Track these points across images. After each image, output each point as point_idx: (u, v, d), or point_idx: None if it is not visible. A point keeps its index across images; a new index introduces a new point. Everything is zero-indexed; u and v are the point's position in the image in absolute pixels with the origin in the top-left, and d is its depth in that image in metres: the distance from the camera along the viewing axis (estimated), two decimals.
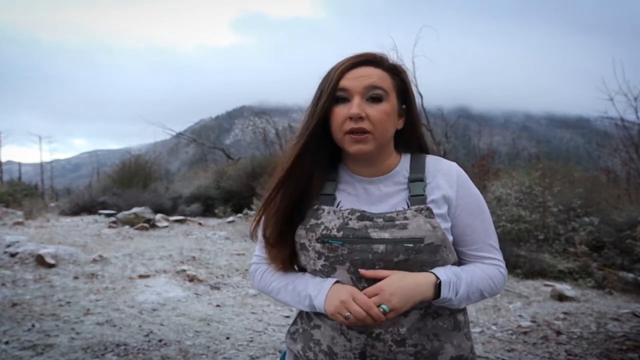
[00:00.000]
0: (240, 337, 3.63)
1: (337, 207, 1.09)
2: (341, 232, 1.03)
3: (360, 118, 1.02)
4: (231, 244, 7.88)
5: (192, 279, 5.36)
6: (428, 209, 1.04)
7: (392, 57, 1.12)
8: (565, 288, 5.16)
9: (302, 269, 1.14)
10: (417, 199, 1.06)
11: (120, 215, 9.75)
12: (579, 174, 8.89)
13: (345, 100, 1.05)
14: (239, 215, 11.06)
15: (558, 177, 7.75)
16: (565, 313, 4.33)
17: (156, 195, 12.81)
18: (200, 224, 10.21)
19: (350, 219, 1.04)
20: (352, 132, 1.03)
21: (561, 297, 4.92)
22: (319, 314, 1.08)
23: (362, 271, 1.01)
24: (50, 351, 3.16)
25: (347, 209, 1.06)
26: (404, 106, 1.12)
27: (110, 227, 9.09)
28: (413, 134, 1.15)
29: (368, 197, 1.09)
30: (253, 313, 4.28)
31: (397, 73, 1.10)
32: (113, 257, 6.24)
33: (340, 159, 1.15)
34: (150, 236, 8.39)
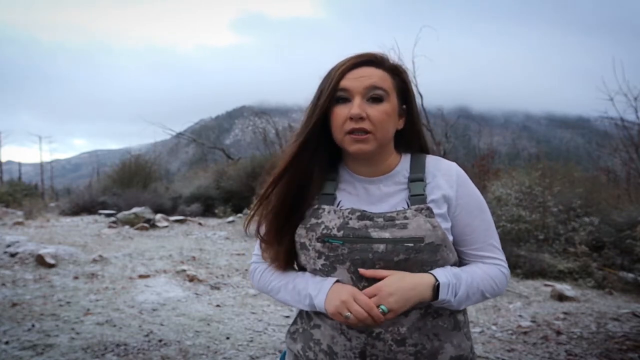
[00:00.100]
0: (240, 337, 3.63)
1: (337, 206, 1.09)
2: (341, 232, 1.03)
3: (361, 118, 1.02)
4: (231, 244, 7.88)
5: (192, 279, 5.36)
6: (428, 208, 1.05)
7: (393, 57, 1.12)
8: (565, 288, 5.16)
9: (302, 269, 1.14)
10: (417, 198, 1.07)
11: (120, 215, 9.75)
12: (579, 174, 8.89)
13: (346, 100, 1.05)
14: (239, 215, 11.06)
15: (558, 177, 7.75)
16: (565, 313, 4.33)
17: (156, 195, 12.81)
18: (200, 224, 10.21)
19: (351, 219, 1.04)
20: (352, 132, 1.03)
21: (561, 297, 4.92)
22: (319, 314, 1.09)
23: (362, 270, 1.01)
24: (50, 351, 3.16)
25: (348, 209, 1.06)
26: (404, 106, 1.12)
27: (110, 227, 9.09)
28: (413, 134, 1.15)
29: (368, 197, 1.10)
30: (253, 313, 4.28)
31: (397, 73, 1.10)
32: (113, 257, 6.24)
33: (341, 158, 1.15)
34: (150, 236, 8.40)
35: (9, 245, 6.32)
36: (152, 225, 9.32)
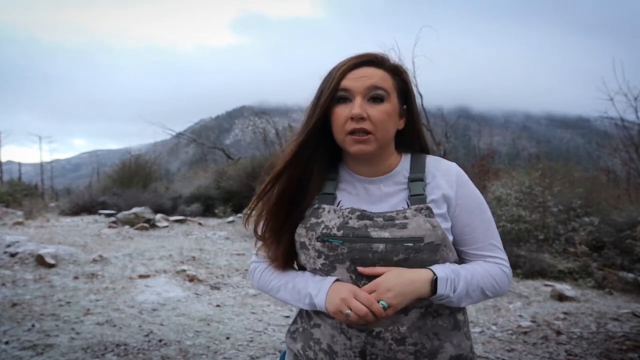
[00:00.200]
0: (240, 337, 3.63)
1: (337, 206, 1.09)
2: (341, 231, 1.04)
3: (361, 118, 1.02)
4: (231, 244, 7.88)
5: (192, 279, 5.36)
6: (428, 208, 1.05)
7: (393, 58, 1.12)
8: (565, 288, 5.16)
9: (302, 268, 1.14)
10: (417, 198, 1.07)
11: (120, 215, 9.75)
12: (579, 174, 8.89)
13: (347, 100, 1.05)
14: (239, 215, 11.06)
15: (558, 177, 7.75)
16: (565, 313, 4.33)
17: (156, 195, 12.81)
18: (200, 224, 10.21)
19: (351, 218, 1.05)
20: (353, 132, 1.03)
21: (561, 297, 4.92)
22: (319, 313, 1.09)
23: (360, 268, 1.01)
24: (50, 351, 3.16)
25: (347, 208, 1.07)
26: (404, 106, 1.12)
27: (110, 227, 9.09)
28: (414, 134, 1.16)
29: (368, 197, 1.10)
30: (253, 313, 4.28)
31: (398, 73, 1.10)
32: (113, 257, 6.24)
33: (341, 158, 1.15)
34: (150, 236, 8.40)
35: (9, 245, 6.32)
36: (152, 225, 9.32)
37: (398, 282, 0.98)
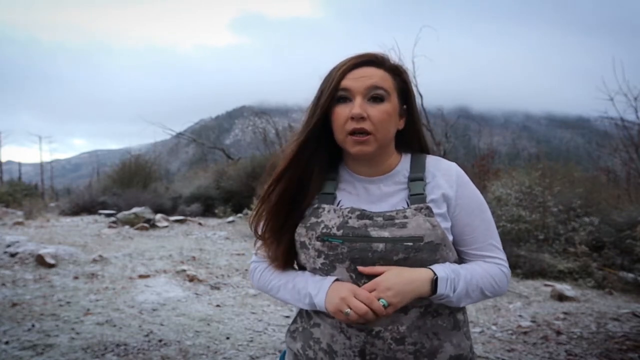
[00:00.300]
0: (240, 337, 3.63)
1: (337, 206, 1.09)
2: (341, 231, 1.04)
3: (362, 118, 1.02)
4: (231, 244, 7.88)
5: (192, 279, 5.36)
6: (428, 207, 1.05)
7: (393, 58, 1.12)
8: (565, 288, 5.16)
9: (302, 268, 1.14)
10: (417, 198, 1.07)
11: (120, 215, 9.75)
12: (579, 174, 8.89)
13: (347, 100, 1.05)
14: (239, 215, 11.06)
15: (558, 177, 7.75)
16: (565, 313, 4.34)
17: (156, 195, 12.82)
18: (200, 224, 10.21)
19: (350, 218, 1.05)
20: (354, 132, 1.03)
21: (561, 297, 4.92)
22: (318, 313, 1.09)
23: (360, 268, 1.02)
24: (50, 351, 3.16)
25: (347, 208, 1.07)
26: (405, 106, 1.12)
27: (110, 227, 9.09)
28: (414, 134, 1.16)
29: (368, 197, 1.10)
30: (253, 313, 4.28)
31: (398, 73, 1.10)
32: (113, 257, 6.24)
33: (341, 158, 1.15)
34: (150, 236, 8.40)
35: (9, 245, 6.32)
36: (152, 225, 9.32)
37: (398, 281, 0.98)
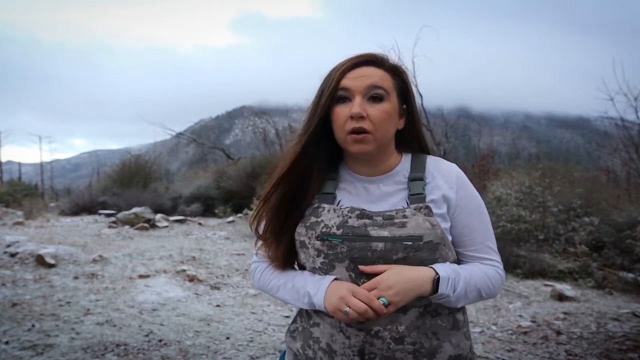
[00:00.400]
0: (240, 337, 3.63)
1: (337, 205, 1.09)
2: (341, 230, 1.04)
3: (361, 117, 1.03)
4: (231, 244, 7.88)
5: (192, 279, 5.36)
6: (427, 207, 1.05)
7: (393, 58, 1.13)
8: (565, 288, 5.16)
9: (302, 267, 1.14)
10: (417, 197, 1.07)
11: (120, 215, 9.75)
12: (579, 174, 8.89)
13: (347, 100, 1.06)
14: (239, 215, 11.06)
15: (558, 177, 7.75)
16: (565, 313, 4.34)
17: (156, 195, 12.82)
18: (200, 224, 10.22)
19: (350, 217, 1.05)
20: (353, 131, 1.04)
21: (561, 297, 4.92)
22: (318, 312, 1.09)
23: (362, 267, 1.01)
24: (50, 351, 3.16)
25: (347, 207, 1.07)
26: (404, 106, 1.13)
27: (110, 227, 9.09)
28: (414, 134, 1.16)
29: (368, 196, 1.10)
30: (253, 313, 4.28)
31: (397, 73, 1.11)
32: (113, 257, 6.24)
33: (341, 158, 1.15)
34: (150, 236, 8.40)
35: (9, 245, 6.32)
36: (152, 225, 9.32)
37: (399, 279, 0.98)
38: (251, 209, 9.94)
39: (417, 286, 0.99)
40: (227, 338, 3.59)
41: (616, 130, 10.12)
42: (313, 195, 1.11)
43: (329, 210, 1.08)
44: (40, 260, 5.71)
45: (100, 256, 6.20)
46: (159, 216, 9.91)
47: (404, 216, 1.03)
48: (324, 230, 1.05)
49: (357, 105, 1.03)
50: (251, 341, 3.54)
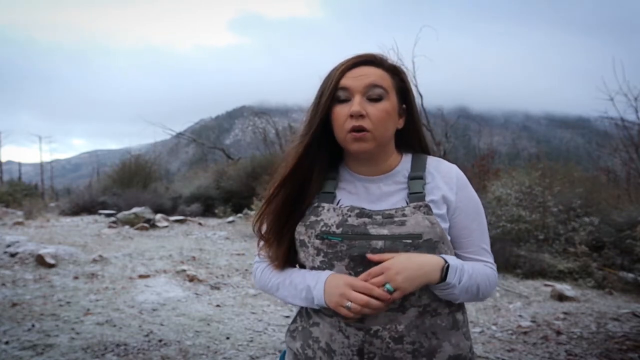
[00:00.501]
0: (240, 337, 3.63)
1: (336, 204, 1.10)
2: (340, 229, 1.04)
3: (361, 116, 1.03)
4: (231, 244, 7.88)
5: (192, 279, 5.36)
6: (427, 205, 1.06)
7: (392, 58, 1.13)
8: (565, 288, 5.16)
9: (303, 267, 1.14)
10: (416, 196, 1.08)
11: (120, 215, 9.75)
12: (579, 174, 8.89)
13: (346, 100, 1.06)
14: (239, 215, 11.06)
15: (558, 177, 7.75)
16: (565, 313, 4.34)
17: (156, 195, 12.82)
18: (200, 224, 10.22)
19: (350, 216, 1.05)
20: (353, 130, 1.04)
21: (561, 297, 4.92)
22: (318, 312, 1.09)
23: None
24: (50, 351, 3.16)
25: (347, 206, 1.08)
26: (404, 106, 1.13)
27: (110, 227, 9.09)
28: (414, 133, 1.17)
29: (368, 196, 1.10)
30: (253, 313, 4.28)
31: (396, 73, 1.11)
32: (113, 257, 6.25)
33: (341, 158, 1.16)
34: (150, 236, 8.40)
35: (9, 245, 6.32)
36: (152, 225, 9.32)
37: (408, 265, 0.98)
38: (251, 209, 9.94)
39: (426, 273, 0.99)
40: (227, 338, 3.59)
41: (616, 130, 10.12)
42: (313, 195, 1.11)
43: (328, 210, 1.08)
44: (40, 260, 5.71)
45: (100, 256, 6.20)
46: (159, 216, 9.91)
47: (404, 214, 1.04)
48: (324, 229, 1.05)
49: (356, 104, 1.04)
50: (251, 341, 3.54)
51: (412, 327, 1.03)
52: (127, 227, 9.03)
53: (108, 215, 10.67)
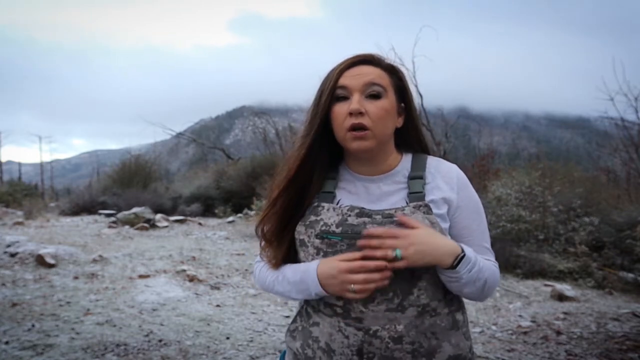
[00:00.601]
0: (240, 337, 3.63)
1: (336, 204, 1.10)
2: (340, 228, 1.05)
3: (360, 113, 1.04)
4: (231, 244, 7.88)
5: (192, 279, 5.36)
6: (426, 205, 1.06)
7: (391, 58, 1.14)
8: (565, 288, 5.16)
9: None
10: (416, 196, 1.08)
11: (120, 215, 9.76)
12: (579, 174, 8.90)
13: (345, 98, 1.07)
14: (239, 215, 11.06)
15: (558, 177, 7.75)
16: (565, 313, 4.34)
17: (156, 195, 12.82)
18: (200, 224, 10.22)
19: (350, 215, 1.06)
20: (353, 128, 1.04)
21: (561, 297, 4.92)
22: (318, 311, 1.09)
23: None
24: (50, 351, 3.16)
25: (347, 206, 1.08)
26: (402, 105, 1.14)
27: (110, 227, 9.09)
28: (413, 132, 1.17)
29: (368, 196, 1.11)
30: (253, 313, 4.28)
31: (394, 72, 1.12)
32: (113, 257, 6.25)
33: (341, 157, 1.16)
34: (150, 236, 8.40)
35: (9, 245, 6.32)
36: (152, 225, 9.32)
37: (425, 240, 0.99)
38: (251, 209, 9.94)
39: (438, 255, 0.99)
40: (227, 338, 3.59)
41: (616, 130, 10.13)
42: (313, 194, 1.11)
43: (328, 209, 1.08)
44: (40, 260, 5.71)
45: (100, 256, 6.20)
46: (159, 216, 9.91)
47: (403, 214, 1.04)
48: (324, 228, 1.06)
49: (355, 101, 1.04)
50: (251, 341, 3.54)
51: (412, 327, 1.03)
52: (127, 227, 9.03)
53: (108, 215, 10.67)
